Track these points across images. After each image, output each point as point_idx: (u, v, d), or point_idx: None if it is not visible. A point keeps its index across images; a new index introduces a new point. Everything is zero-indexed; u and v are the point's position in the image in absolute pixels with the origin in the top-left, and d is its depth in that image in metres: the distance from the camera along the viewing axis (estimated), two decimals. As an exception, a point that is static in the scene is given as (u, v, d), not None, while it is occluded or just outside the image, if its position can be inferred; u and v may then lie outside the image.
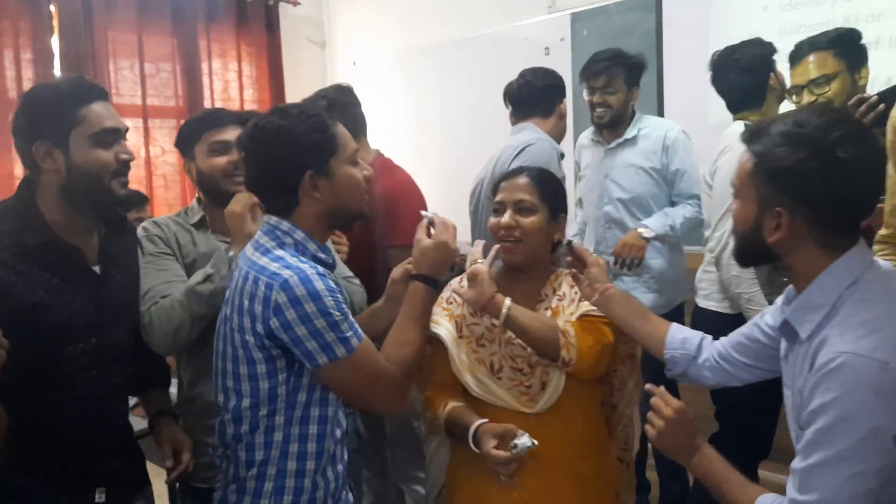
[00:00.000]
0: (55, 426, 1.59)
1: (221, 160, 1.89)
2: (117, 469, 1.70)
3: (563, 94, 2.93)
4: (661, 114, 3.04)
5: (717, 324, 2.39)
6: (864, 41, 2.16)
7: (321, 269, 1.43)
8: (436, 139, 4.60)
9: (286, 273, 1.38)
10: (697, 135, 3.01)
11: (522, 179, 1.77)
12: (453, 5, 4.46)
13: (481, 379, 1.69)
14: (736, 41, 3.08)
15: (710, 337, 1.59)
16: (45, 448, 1.58)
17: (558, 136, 2.93)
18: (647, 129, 2.86)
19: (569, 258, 1.74)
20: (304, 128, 1.44)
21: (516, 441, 1.52)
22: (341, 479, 1.54)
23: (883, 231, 1.78)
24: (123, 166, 1.63)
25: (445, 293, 1.83)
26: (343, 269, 2.05)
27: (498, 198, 1.78)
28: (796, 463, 1.19)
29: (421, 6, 4.64)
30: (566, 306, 1.75)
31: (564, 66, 3.88)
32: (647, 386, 1.46)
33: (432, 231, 1.61)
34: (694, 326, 2.35)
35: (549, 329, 1.64)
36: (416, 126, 4.72)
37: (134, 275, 1.79)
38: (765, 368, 1.46)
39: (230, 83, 4.78)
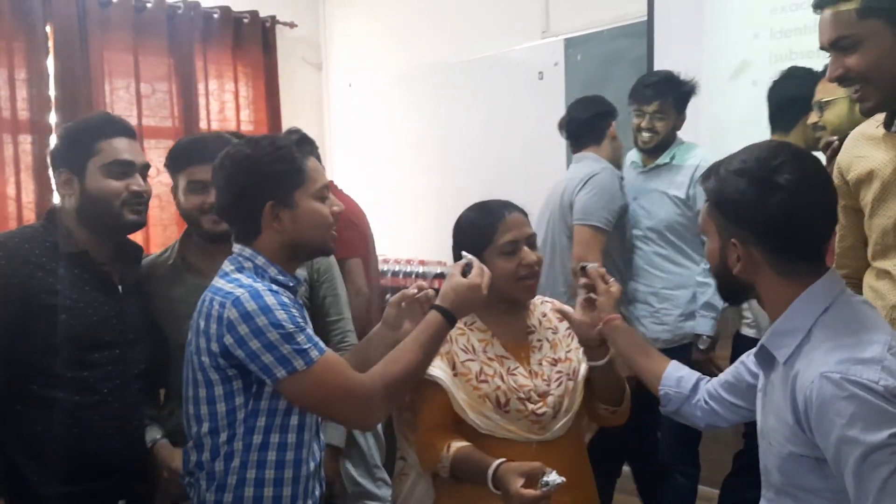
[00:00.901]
0: (81, 434, 1.70)
1: (196, 200, 1.91)
2: (136, 483, 1.81)
3: (612, 117, 2.96)
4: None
5: None
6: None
7: (276, 287, 1.47)
8: (431, 161, 4.61)
9: (238, 291, 1.42)
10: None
11: (517, 215, 1.74)
12: (449, 29, 4.49)
13: (488, 415, 1.66)
14: (726, 69, 3.11)
15: (706, 378, 1.61)
16: (71, 457, 1.68)
17: (617, 157, 3.00)
18: (682, 156, 2.84)
19: (583, 281, 1.72)
20: (269, 158, 1.47)
21: (546, 479, 1.49)
22: None
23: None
24: (134, 196, 1.77)
25: None
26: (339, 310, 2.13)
27: (508, 238, 1.69)
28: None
29: (417, 29, 4.67)
30: (568, 342, 1.77)
31: (558, 90, 3.92)
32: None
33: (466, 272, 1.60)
34: (735, 354, 2.39)
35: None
36: (412, 148, 4.73)
37: (144, 304, 1.92)
38: (751, 409, 1.46)
39: (226, 104, 4.80)
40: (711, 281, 2.42)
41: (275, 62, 4.94)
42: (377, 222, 3.14)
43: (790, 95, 2.49)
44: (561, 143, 3.89)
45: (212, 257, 1.83)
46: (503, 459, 1.55)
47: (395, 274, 2.92)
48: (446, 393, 1.65)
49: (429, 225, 4.29)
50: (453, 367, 1.69)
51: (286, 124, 4.97)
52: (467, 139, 4.39)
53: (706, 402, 1.56)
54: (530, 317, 1.80)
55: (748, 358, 1.48)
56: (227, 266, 1.52)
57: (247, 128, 4.81)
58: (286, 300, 1.45)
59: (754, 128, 2.67)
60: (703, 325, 2.72)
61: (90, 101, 4.10)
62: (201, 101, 4.64)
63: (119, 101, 4.30)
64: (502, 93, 4.21)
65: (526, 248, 1.71)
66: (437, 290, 1.64)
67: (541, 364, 1.73)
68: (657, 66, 3.37)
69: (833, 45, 1.50)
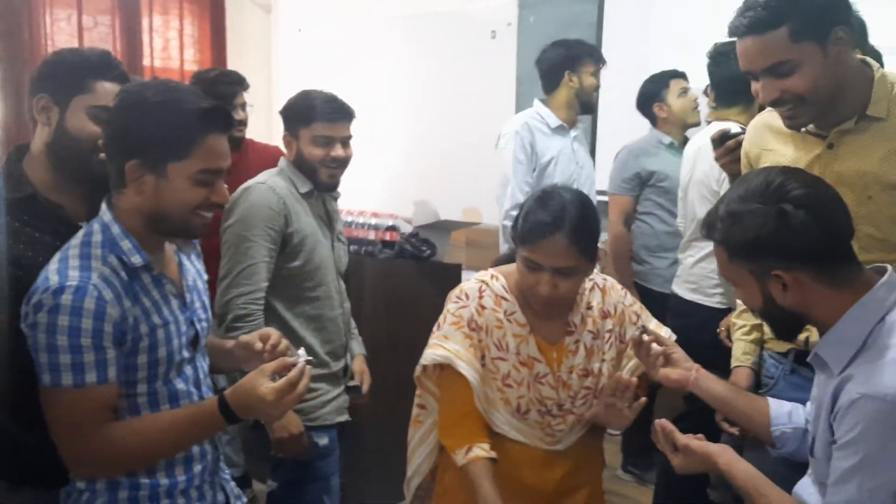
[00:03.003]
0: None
1: (319, 152, 2.09)
2: None
3: None
4: (595, 106, 3.14)
5: (704, 317, 2.49)
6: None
7: (116, 274, 1.33)
8: (382, 113, 4.62)
9: (65, 281, 1.29)
10: (633, 125, 3.15)
11: (560, 241, 1.53)
12: (403, -21, 4.47)
13: (506, 418, 1.64)
14: (674, 39, 3.23)
15: (804, 408, 1.51)
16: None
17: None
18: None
19: (644, 340, 1.59)
20: (157, 118, 1.32)
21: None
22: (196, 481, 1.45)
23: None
24: None
25: (467, 308, 1.65)
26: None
27: (534, 257, 1.56)
28: (830, 497, 1.22)
29: (371, -23, 4.62)
30: (604, 350, 1.69)
31: (510, 51, 3.98)
32: (657, 421, 1.47)
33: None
34: (674, 318, 2.40)
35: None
36: (362, 99, 4.70)
37: None
38: None
39: (171, 41, 4.68)
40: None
41: (222, 1, 4.82)
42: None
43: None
44: (511, 102, 4.00)
45: None
46: None
47: (347, 225, 2.97)
48: (471, 387, 1.61)
49: (379, 177, 4.34)
50: (482, 360, 1.64)
51: (232, 67, 4.86)
52: (419, 93, 4.42)
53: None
54: (574, 312, 1.70)
55: None
56: (74, 240, 1.37)
57: (190, 68, 4.70)
58: (106, 300, 1.29)
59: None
60: None
61: (30, 33, 3.94)
62: (145, 37, 4.50)
63: (60, 32, 4.14)
64: (455, 49, 4.25)
65: (546, 276, 1.56)
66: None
67: (570, 373, 1.66)
68: (605, 33, 3.48)
69: (767, 71, 1.47)
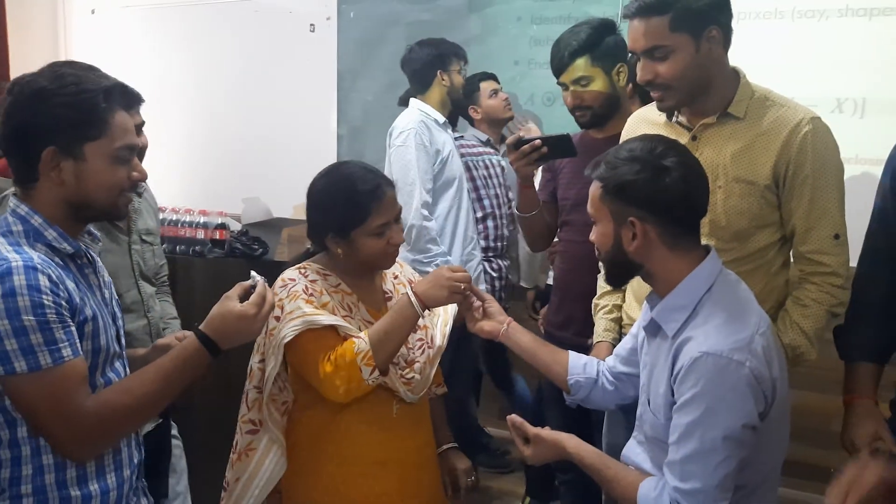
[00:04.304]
0: None
1: None
2: None
3: None
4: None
5: None
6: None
7: (52, 258, 1.29)
8: (193, 105, 4.38)
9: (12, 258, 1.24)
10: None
11: (391, 192, 1.73)
12: (211, -36, 4.27)
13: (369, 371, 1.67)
14: (497, 43, 3.42)
15: (601, 360, 1.71)
16: None
17: None
18: None
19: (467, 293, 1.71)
20: (65, 99, 1.28)
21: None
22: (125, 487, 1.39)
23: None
24: None
25: (296, 284, 1.69)
26: None
27: (382, 218, 1.69)
28: (673, 455, 1.36)
29: (173, -41, 4.36)
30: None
31: (330, 46, 3.95)
32: (509, 417, 1.59)
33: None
34: None
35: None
36: (168, 90, 4.44)
37: None
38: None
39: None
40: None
41: (-3, -24, 4.32)
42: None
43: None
44: (333, 97, 3.98)
45: None
46: (416, 282, 1.68)
47: (173, 224, 2.80)
48: (336, 331, 1.65)
49: (176, 171, 4.11)
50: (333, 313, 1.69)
51: (14, 53, 4.38)
52: (231, 84, 4.24)
53: (608, 383, 1.67)
54: (384, 281, 1.86)
55: (635, 330, 1.63)
56: None
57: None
58: (55, 280, 1.25)
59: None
60: None
61: None
62: None
63: None
64: (270, 40, 4.13)
65: (395, 227, 1.72)
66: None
67: None
68: (431, 34, 3.56)
69: (646, 53, 1.65)
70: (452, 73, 2.92)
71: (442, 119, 2.93)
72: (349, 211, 1.69)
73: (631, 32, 1.68)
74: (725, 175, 1.71)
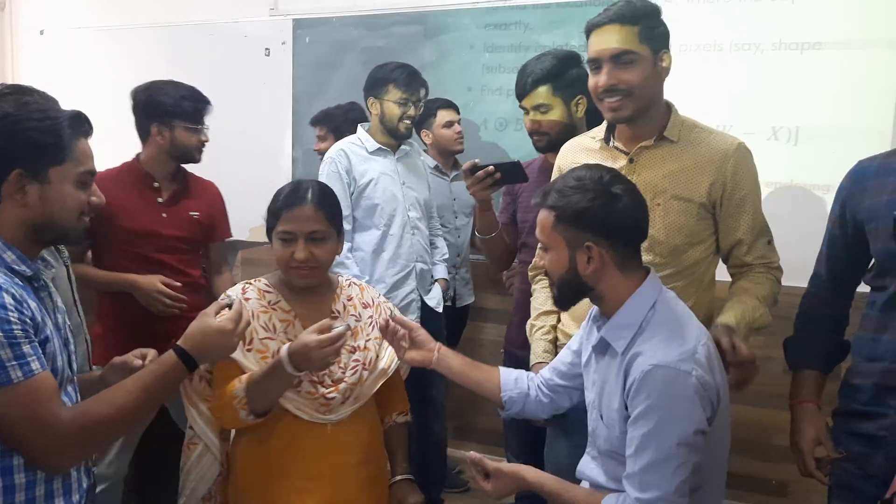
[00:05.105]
0: None
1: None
2: None
3: None
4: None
5: None
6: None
7: (13, 280, 1.31)
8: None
9: None
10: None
11: (308, 208, 1.76)
12: (166, -13, 4.26)
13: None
14: (451, 69, 3.48)
15: (531, 374, 1.79)
16: None
17: None
18: None
19: (391, 324, 1.75)
20: (32, 125, 1.32)
21: (336, 325, 1.62)
22: None
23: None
24: None
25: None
26: None
27: (287, 227, 1.75)
28: (631, 467, 1.42)
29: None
30: (369, 331, 1.86)
31: (286, 69, 3.99)
32: (467, 454, 1.61)
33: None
34: None
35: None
36: (120, 112, 4.40)
37: None
38: (579, 388, 1.69)
39: None
40: None
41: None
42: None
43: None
44: (288, 120, 4.00)
45: None
46: (289, 344, 1.64)
47: (127, 246, 2.77)
48: (239, 366, 1.70)
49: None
50: (249, 343, 1.73)
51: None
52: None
53: (543, 395, 1.74)
54: (336, 301, 1.87)
55: (570, 346, 1.73)
56: None
57: None
58: (18, 299, 1.28)
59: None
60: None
61: None
62: None
63: None
64: (226, 64, 4.13)
65: (301, 243, 1.74)
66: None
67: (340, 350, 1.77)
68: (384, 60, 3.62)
69: (613, 58, 1.75)
70: (385, 101, 2.85)
71: (374, 146, 2.90)
72: (268, 215, 1.80)
73: (601, 38, 1.78)
74: (664, 193, 1.82)
